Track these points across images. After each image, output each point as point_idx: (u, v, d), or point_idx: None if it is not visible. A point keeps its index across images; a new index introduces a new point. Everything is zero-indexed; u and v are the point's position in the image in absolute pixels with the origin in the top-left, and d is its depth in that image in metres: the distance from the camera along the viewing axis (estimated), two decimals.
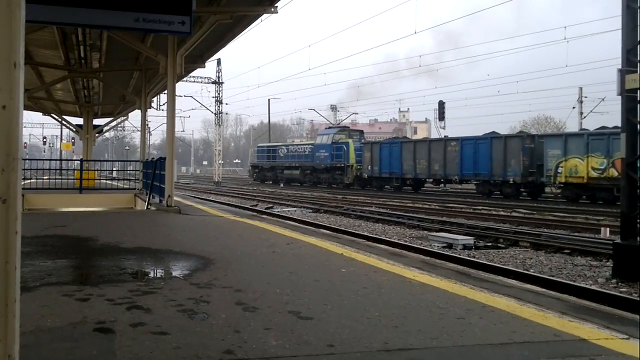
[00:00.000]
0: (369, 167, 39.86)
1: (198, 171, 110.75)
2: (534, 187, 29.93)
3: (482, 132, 33.08)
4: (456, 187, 39.50)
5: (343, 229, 15.37)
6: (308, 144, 49.36)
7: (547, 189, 30.76)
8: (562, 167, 27.27)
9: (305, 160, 47.04)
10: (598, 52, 47.48)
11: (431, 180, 37.09)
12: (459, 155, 33.05)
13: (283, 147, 52.60)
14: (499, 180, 30.84)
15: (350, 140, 43.12)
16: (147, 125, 34.45)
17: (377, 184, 40.17)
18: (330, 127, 51.94)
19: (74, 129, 31.56)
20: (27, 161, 22.41)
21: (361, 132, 47.61)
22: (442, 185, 36.74)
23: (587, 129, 29.52)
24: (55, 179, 20.85)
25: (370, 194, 34.48)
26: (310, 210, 22.76)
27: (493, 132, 33.71)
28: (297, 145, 52.18)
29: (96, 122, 30.40)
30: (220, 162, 56.06)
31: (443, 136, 40.21)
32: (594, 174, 26.00)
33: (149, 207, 14.26)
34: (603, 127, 26.95)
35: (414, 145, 37.12)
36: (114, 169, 44.16)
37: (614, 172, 24.74)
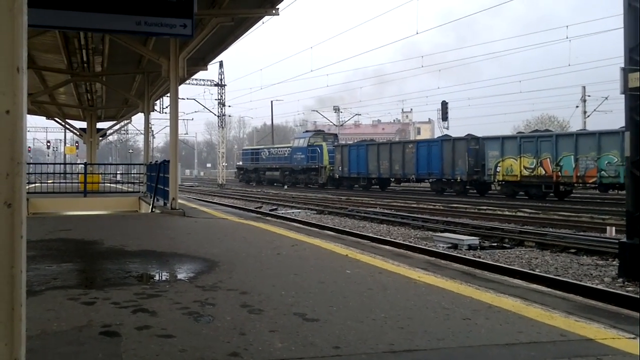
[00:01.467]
0: (340, 168, 43.17)
1: (202, 174, 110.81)
2: (478, 185, 33.03)
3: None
4: (416, 185, 42.39)
5: (347, 230, 15.35)
6: (287, 147, 51.97)
7: (493, 186, 33.46)
8: (500, 166, 30.58)
9: (284, 162, 50.11)
10: (601, 51, 47.47)
11: (393, 179, 40.23)
12: (415, 157, 36.29)
13: (265, 149, 55.55)
14: (449, 178, 33.96)
15: (324, 143, 46.34)
16: (151, 128, 34.51)
17: (347, 183, 43.52)
18: (306, 131, 55.59)
19: (78, 133, 31.64)
20: (31, 165, 22.45)
21: (335, 135, 51.72)
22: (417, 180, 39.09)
23: (543, 130, 32.45)
24: (60, 182, 20.92)
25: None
26: (315, 212, 22.76)
27: (446, 135, 37.07)
28: (277, 147, 54.79)
29: (99, 125, 30.42)
30: (224, 164, 56.12)
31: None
32: (525, 172, 29.23)
33: (153, 210, 14.28)
34: (536, 131, 30.76)
35: (377, 148, 40.21)
36: (118, 172, 44.26)
37: (541, 171, 28.39)
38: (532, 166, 28.81)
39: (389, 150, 38.94)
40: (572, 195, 30.24)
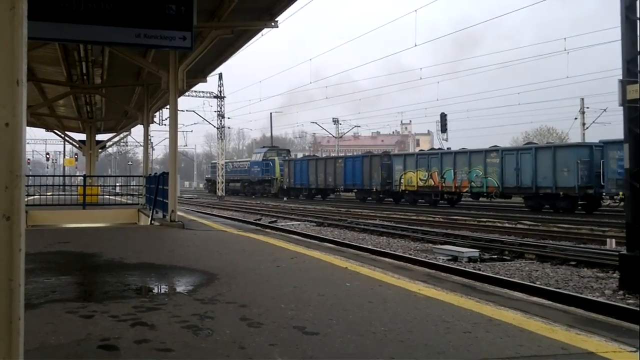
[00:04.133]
0: (287, 179, 49.97)
1: (201, 185, 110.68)
2: (391, 194, 39.39)
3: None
4: (347, 195, 48.51)
5: (347, 242, 15.32)
6: (247, 161, 59.38)
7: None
8: (403, 178, 37.06)
9: (244, 174, 57.23)
10: (599, 63, 47.74)
11: (328, 189, 46.64)
12: (343, 170, 42.91)
13: (229, 163, 61.47)
14: (368, 189, 40.47)
15: (276, 158, 53.13)
16: (150, 140, 34.56)
17: (293, 193, 49.65)
18: (263, 147, 61.59)
19: (77, 145, 31.63)
20: (30, 177, 22.43)
21: (288, 150, 59.76)
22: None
23: (443, 148, 40.83)
24: (59, 195, 20.88)
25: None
26: (314, 224, 22.72)
27: (368, 152, 45.50)
28: (238, 161, 61.98)
29: (99, 137, 30.43)
30: (223, 176, 56.19)
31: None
32: (420, 183, 35.81)
33: (152, 222, 14.24)
34: (432, 149, 38.45)
35: (316, 163, 47.26)
36: (117, 184, 44.24)
37: (431, 182, 34.93)
38: (425, 178, 35.40)
39: (324, 164, 45.78)
40: (461, 202, 36.46)
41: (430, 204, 35.03)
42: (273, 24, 12.00)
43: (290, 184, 49.57)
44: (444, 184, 33.97)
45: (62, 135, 32.54)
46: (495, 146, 32.57)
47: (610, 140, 25.87)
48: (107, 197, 26.44)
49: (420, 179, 35.63)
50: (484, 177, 31.47)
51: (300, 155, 77.25)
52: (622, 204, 24.82)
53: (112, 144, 43.94)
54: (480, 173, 31.67)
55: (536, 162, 28.77)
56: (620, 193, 24.36)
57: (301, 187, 48.39)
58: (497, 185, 30.82)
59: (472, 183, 32.29)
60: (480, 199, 34.73)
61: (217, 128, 54.97)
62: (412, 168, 36.32)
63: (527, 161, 29.22)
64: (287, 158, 53.25)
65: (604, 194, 27.18)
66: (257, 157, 55.84)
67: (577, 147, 28.93)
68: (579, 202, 28.17)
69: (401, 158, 38.43)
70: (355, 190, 42.87)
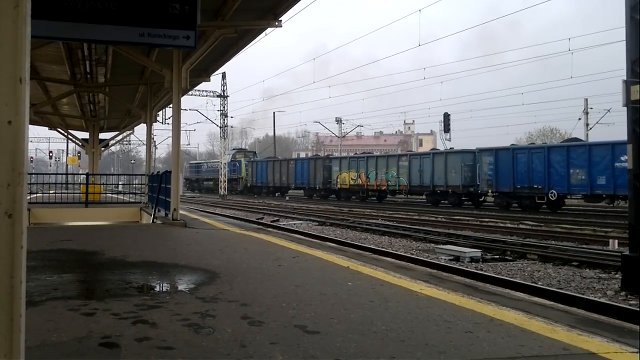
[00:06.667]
0: (251, 178, 56.63)
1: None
2: (332, 192, 45.82)
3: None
4: (299, 192, 53.73)
5: (349, 241, 15.31)
6: (218, 162, 63.09)
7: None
8: (338, 178, 43.71)
9: (216, 174, 60.80)
10: (604, 63, 47.62)
11: (283, 188, 52.54)
12: (294, 171, 49.53)
13: (204, 164, 69.78)
14: (313, 187, 47.26)
15: (243, 159, 60.17)
16: (153, 139, 34.54)
17: (256, 190, 56.05)
18: (233, 149, 69.04)
19: (80, 143, 31.62)
20: (33, 175, 22.47)
21: (254, 152, 67.45)
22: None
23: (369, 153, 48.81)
24: (62, 193, 20.92)
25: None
26: (316, 223, 22.73)
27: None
28: (211, 162, 68.04)
29: (102, 136, 30.38)
30: (225, 175, 56.33)
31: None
32: (352, 182, 42.53)
33: (154, 220, 14.26)
34: (364, 153, 45.89)
35: (273, 164, 53.49)
36: (120, 182, 44.33)
37: (360, 181, 41.50)
38: (355, 178, 41.91)
39: (280, 165, 52.18)
40: (388, 199, 42.59)
41: (361, 200, 41.48)
42: (277, 23, 12.00)
43: (252, 182, 55.98)
44: (368, 183, 40.63)
45: (65, 134, 32.56)
46: (410, 150, 38.60)
47: (483, 148, 32.41)
48: (110, 195, 26.47)
49: (351, 178, 42.37)
50: (397, 177, 37.98)
51: (302, 155, 79.51)
52: (493, 200, 31.67)
53: (115, 143, 43.88)
54: (394, 174, 38.21)
55: (434, 165, 34.99)
56: (490, 190, 31.13)
57: (261, 185, 54.67)
58: (406, 184, 37.30)
59: (389, 182, 38.80)
60: (399, 195, 41.60)
61: (220, 127, 55.06)
62: (345, 169, 42.99)
63: (427, 164, 35.63)
64: (252, 159, 59.18)
65: (479, 191, 32.20)
66: (227, 158, 60.37)
67: (462, 152, 34.55)
68: (463, 198, 34.15)
69: (338, 160, 45.47)
70: (304, 188, 49.40)
